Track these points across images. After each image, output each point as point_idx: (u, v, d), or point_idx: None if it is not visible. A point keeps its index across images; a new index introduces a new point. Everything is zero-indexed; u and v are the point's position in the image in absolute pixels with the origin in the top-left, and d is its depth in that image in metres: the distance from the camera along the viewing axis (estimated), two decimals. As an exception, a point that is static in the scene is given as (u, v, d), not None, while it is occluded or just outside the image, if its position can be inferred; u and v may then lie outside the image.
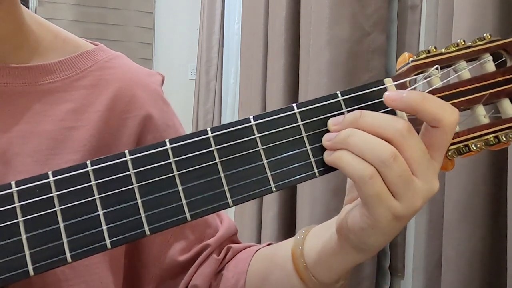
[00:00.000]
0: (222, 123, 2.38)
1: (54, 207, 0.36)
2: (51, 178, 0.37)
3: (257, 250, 0.58)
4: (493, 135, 0.43)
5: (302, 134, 0.41)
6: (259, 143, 0.41)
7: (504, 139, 0.43)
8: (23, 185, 0.36)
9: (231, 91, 2.58)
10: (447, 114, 0.39)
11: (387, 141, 0.39)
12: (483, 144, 0.43)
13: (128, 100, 0.56)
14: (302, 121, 0.41)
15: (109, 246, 0.37)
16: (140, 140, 0.55)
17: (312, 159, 0.41)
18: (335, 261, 0.46)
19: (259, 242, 1.36)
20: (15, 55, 0.52)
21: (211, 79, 2.76)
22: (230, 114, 2.63)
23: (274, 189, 0.40)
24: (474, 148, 0.43)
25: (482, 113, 0.43)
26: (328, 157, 0.41)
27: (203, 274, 0.57)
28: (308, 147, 0.41)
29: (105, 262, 0.53)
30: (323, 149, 0.41)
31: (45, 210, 0.36)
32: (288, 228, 1.58)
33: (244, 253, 0.59)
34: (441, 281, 1.03)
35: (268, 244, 0.58)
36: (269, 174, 0.40)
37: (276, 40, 1.66)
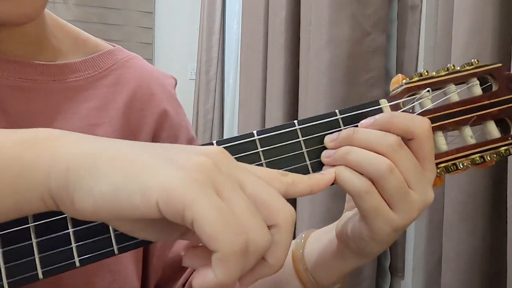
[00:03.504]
0: (222, 123, 2.35)
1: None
2: None
3: None
4: (479, 154, 0.46)
5: (302, 149, 0.43)
6: (262, 157, 0.42)
7: (489, 158, 0.46)
8: None
9: (231, 91, 2.58)
10: (417, 124, 0.42)
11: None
12: (470, 163, 0.46)
13: (146, 98, 0.58)
14: (302, 137, 0.43)
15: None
16: (156, 136, 0.58)
17: (312, 173, 0.43)
18: (334, 264, 0.48)
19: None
20: (40, 56, 0.53)
21: (211, 79, 2.76)
22: (230, 114, 2.63)
23: None
24: (461, 166, 0.46)
25: (469, 134, 0.46)
26: None
27: None
28: (308, 162, 0.43)
29: (129, 254, 0.54)
30: (321, 164, 0.43)
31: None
32: (288, 228, 1.58)
33: None
34: (441, 281, 1.03)
35: None
36: None
37: (276, 40, 1.66)
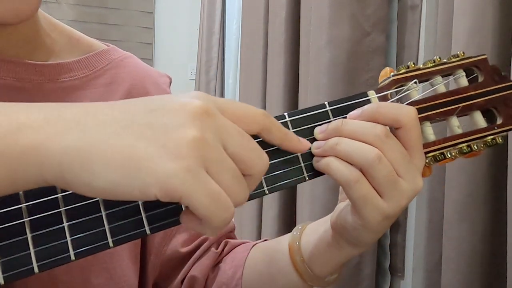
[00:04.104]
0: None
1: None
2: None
3: (254, 245, 0.61)
4: (466, 144, 0.47)
5: None
6: None
7: (476, 147, 0.47)
8: None
9: (231, 91, 2.58)
10: (404, 112, 0.43)
11: None
12: (457, 152, 0.47)
13: (142, 96, 0.57)
14: (293, 128, 0.44)
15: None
16: None
17: (302, 164, 0.44)
18: (330, 255, 0.49)
19: (259, 242, 1.36)
20: (34, 56, 0.53)
21: (211, 79, 2.76)
22: (230, 114, 2.63)
23: (267, 192, 0.42)
24: (449, 155, 0.47)
25: (456, 124, 0.47)
26: (317, 163, 0.43)
27: (202, 265, 0.60)
28: (299, 153, 0.43)
29: (125, 251, 0.55)
30: (312, 155, 0.44)
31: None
32: (288, 228, 1.58)
33: (241, 247, 0.62)
34: (441, 281, 1.03)
35: (264, 240, 0.62)
36: (262, 177, 0.41)
37: (276, 40, 1.66)
